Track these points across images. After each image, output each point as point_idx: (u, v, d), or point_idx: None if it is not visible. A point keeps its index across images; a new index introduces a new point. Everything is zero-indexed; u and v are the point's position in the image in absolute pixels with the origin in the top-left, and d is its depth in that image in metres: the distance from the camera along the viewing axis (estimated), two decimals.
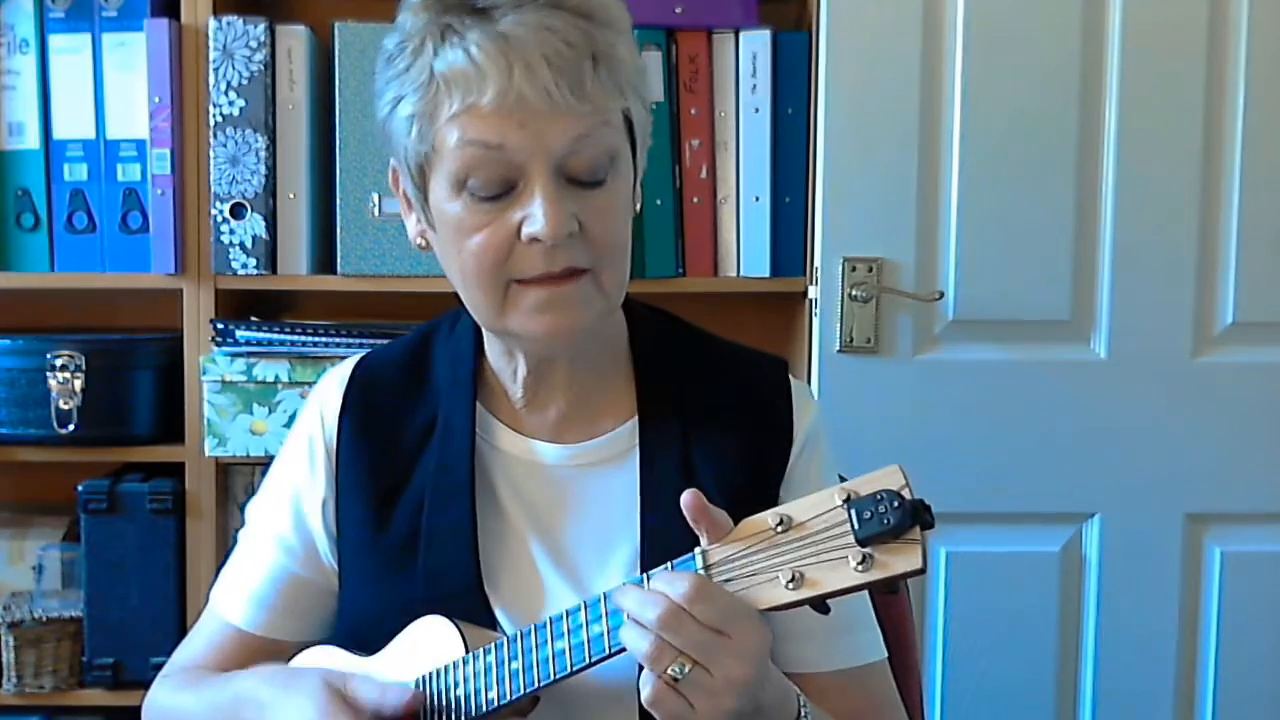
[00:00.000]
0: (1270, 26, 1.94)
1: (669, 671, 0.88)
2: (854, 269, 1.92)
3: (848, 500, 0.85)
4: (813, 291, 1.94)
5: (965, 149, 1.93)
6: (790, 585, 0.86)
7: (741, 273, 1.98)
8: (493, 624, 1.07)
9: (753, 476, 1.10)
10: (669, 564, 0.93)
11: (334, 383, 1.17)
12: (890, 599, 1.22)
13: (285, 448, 1.20)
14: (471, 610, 1.06)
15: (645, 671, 0.89)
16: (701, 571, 0.90)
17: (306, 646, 1.16)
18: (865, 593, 1.12)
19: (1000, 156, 1.94)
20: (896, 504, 0.83)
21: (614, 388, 1.15)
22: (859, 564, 0.84)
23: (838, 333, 1.93)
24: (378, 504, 1.12)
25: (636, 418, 1.13)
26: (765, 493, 1.10)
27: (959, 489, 1.95)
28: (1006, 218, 1.94)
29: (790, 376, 1.18)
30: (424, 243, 1.11)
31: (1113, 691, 2.00)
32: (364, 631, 1.11)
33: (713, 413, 1.13)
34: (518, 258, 1.02)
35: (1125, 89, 1.94)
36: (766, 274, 1.98)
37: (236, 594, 1.17)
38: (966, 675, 1.99)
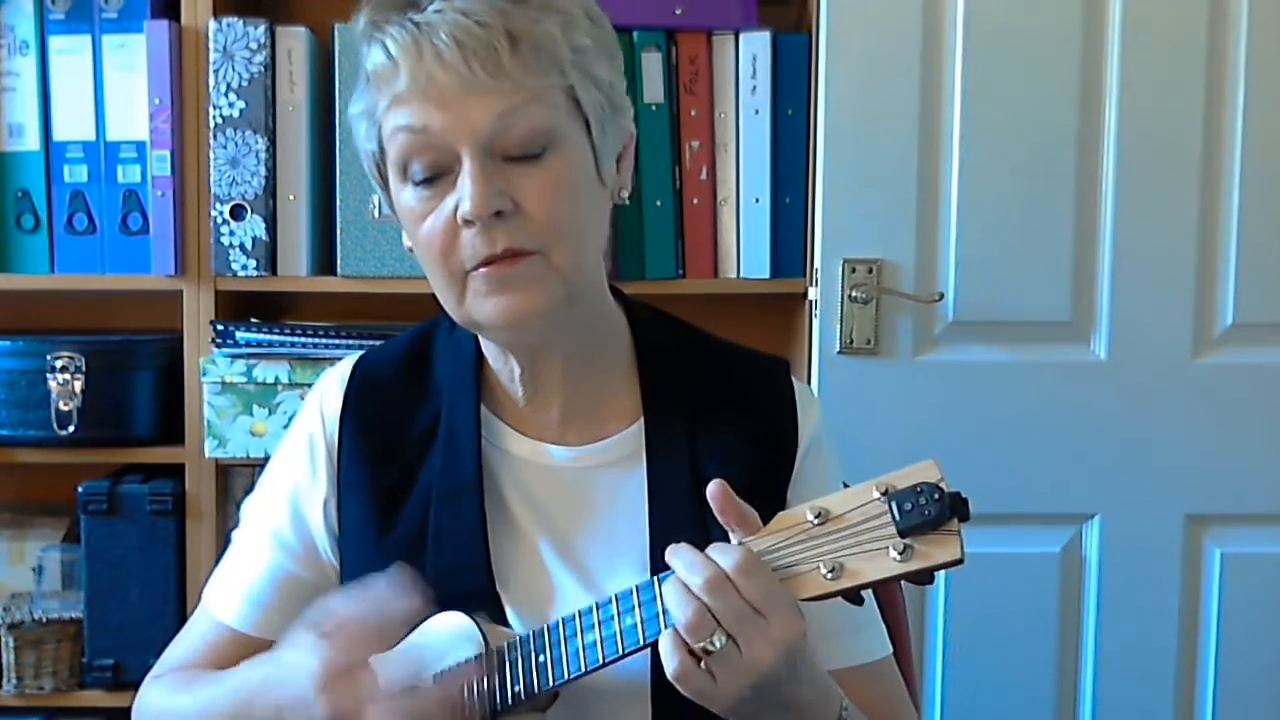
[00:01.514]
0: (1270, 26, 1.94)
1: (704, 644, 0.88)
2: (854, 270, 1.92)
3: (886, 493, 0.87)
4: (813, 293, 1.94)
5: (965, 149, 1.93)
6: (829, 575, 0.88)
7: (741, 274, 1.98)
8: (506, 623, 1.07)
9: (760, 477, 1.10)
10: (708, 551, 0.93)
11: (334, 381, 1.17)
12: (884, 599, 1.22)
13: (283, 447, 1.19)
14: (483, 610, 1.06)
15: (670, 645, 0.90)
16: None
17: None
18: (870, 591, 1.14)
19: (1000, 157, 1.93)
20: (936, 496, 0.86)
21: (618, 389, 1.15)
22: (899, 554, 0.86)
23: (838, 334, 1.93)
24: (382, 504, 1.12)
25: (642, 419, 1.13)
26: (774, 493, 1.11)
27: (959, 489, 1.94)
28: (1006, 218, 1.94)
29: (792, 377, 1.18)
30: (411, 247, 1.12)
31: (1113, 692, 2.00)
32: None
33: (718, 414, 1.13)
34: (462, 245, 1.03)
35: (1125, 89, 1.94)
36: (766, 275, 1.98)
37: (231, 593, 1.16)
38: (966, 675, 1.99)
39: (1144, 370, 1.97)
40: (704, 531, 1.01)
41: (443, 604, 1.05)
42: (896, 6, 1.91)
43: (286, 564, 1.15)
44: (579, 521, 1.12)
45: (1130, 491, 1.98)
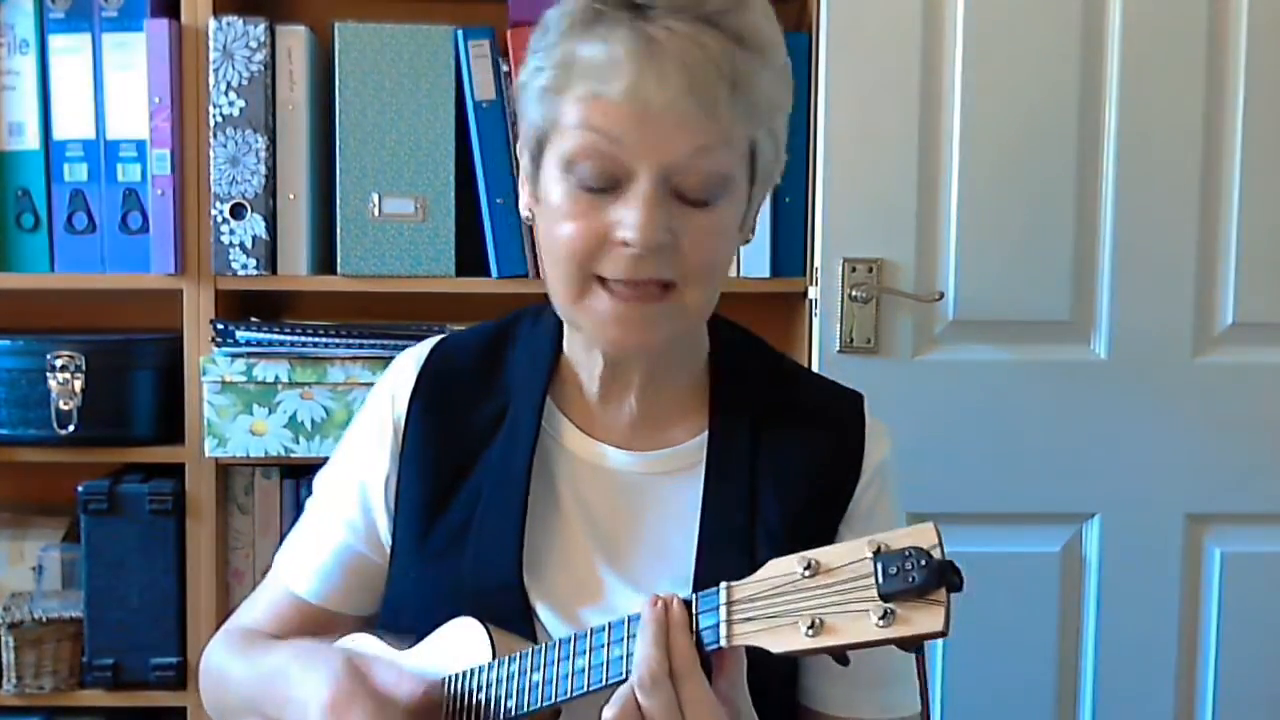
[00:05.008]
0: (1270, 26, 1.94)
1: None
2: (854, 269, 1.92)
3: (877, 552, 0.84)
4: (813, 292, 1.94)
5: (965, 149, 1.93)
6: (810, 632, 0.85)
7: (741, 273, 1.98)
8: (531, 620, 1.08)
9: (816, 503, 1.10)
10: (694, 594, 0.92)
11: (409, 363, 1.18)
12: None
13: (356, 422, 1.21)
14: (509, 605, 1.07)
15: None
16: (724, 608, 0.89)
17: (362, 619, 1.18)
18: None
19: (1000, 157, 1.93)
20: (924, 562, 0.82)
21: (689, 399, 1.15)
22: (880, 619, 0.83)
23: (838, 333, 1.93)
24: (437, 490, 1.13)
25: (707, 432, 1.13)
26: (827, 521, 1.10)
27: (959, 489, 1.94)
28: (1006, 218, 1.94)
29: (867, 412, 1.17)
30: (530, 215, 1.11)
31: (1113, 692, 2.00)
32: (406, 615, 1.12)
33: (783, 434, 1.13)
34: (605, 256, 1.02)
35: (1125, 89, 1.94)
36: (766, 274, 1.98)
37: (301, 565, 1.19)
38: (966, 675, 1.99)
39: (1144, 370, 1.97)
40: (750, 549, 1.03)
41: (474, 596, 1.06)
42: (896, 6, 1.91)
43: (353, 543, 1.17)
44: (630, 527, 1.12)
45: (1130, 491, 1.98)
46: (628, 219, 1.00)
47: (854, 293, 1.92)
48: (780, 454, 1.11)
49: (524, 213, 1.12)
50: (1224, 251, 1.97)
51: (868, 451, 1.14)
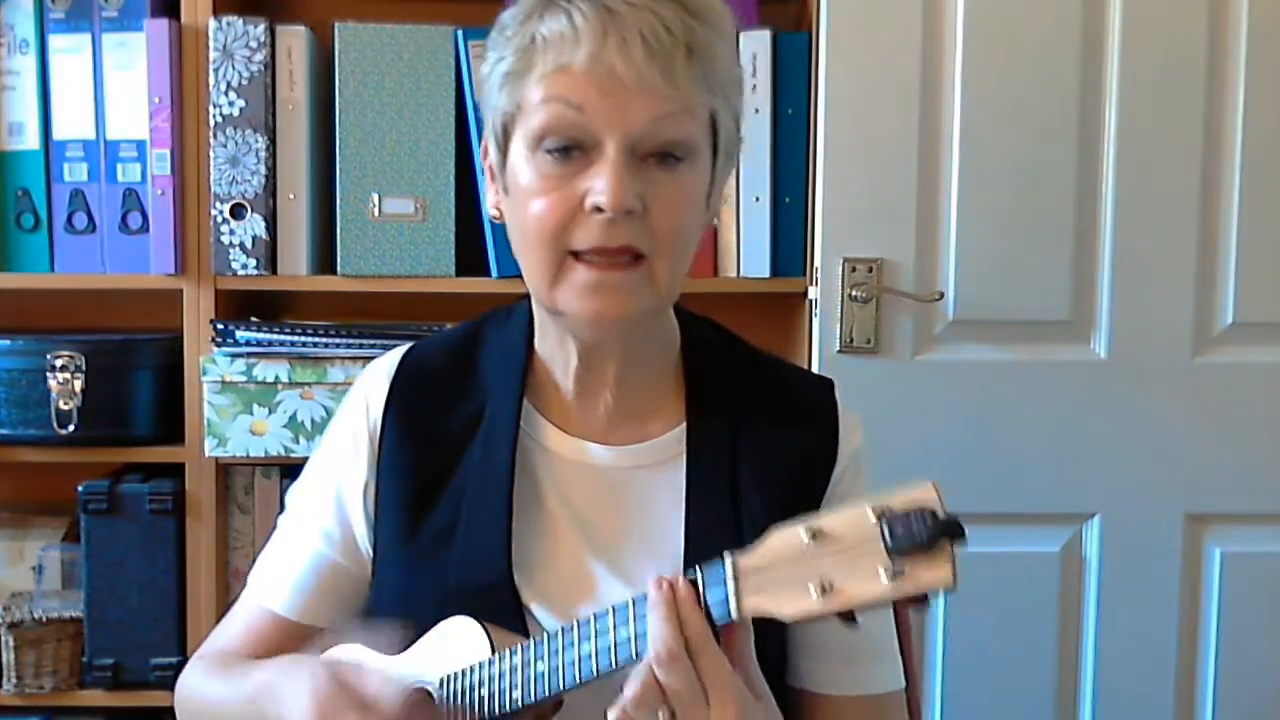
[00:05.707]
0: (1270, 26, 1.94)
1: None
2: (854, 269, 1.92)
3: (881, 514, 0.86)
4: (813, 292, 1.94)
5: (965, 149, 1.93)
6: (820, 595, 0.86)
7: (741, 273, 1.98)
8: (523, 618, 1.08)
9: (796, 490, 1.11)
10: (698, 567, 0.93)
11: (381, 370, 1.18)
12: (898, 629, 1.22)
13: (329, 433, 1.21)
14: (501, 604, 1.07)
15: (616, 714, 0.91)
16: (731, 580, 0.90)
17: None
18: (891, 624, 1.14)
19: (1000, 156, 1.94)
20: (929, 519, 0.84)
21: (664, 392, 1.16)
22: (889, 577, 0.84)
23: (838, 333, 1.93)
24: (418, 495, 1.13)
25: (684, 423, 1.14)
26: (807, 507, 1.09)
27: (959, 489, 1.93)
28: (1006, 218, 1.94)
29: (839, 399, 1.19)
30: (498, 213, 1.12)
31: (1113, 692, 2.00)
32: (393, 622, 1.11)
33: (760, 424, 1.14)
34: (577, 227, 1.03)
35: (1125, 89, 1.94)
36: (766, 274, 1.98)
37: (276, 580, 1.18)
38: (966, 675, 1.99)
39: (1144, 370, 1.97)
40: (738, 536, 1.03)
41: (463, 597, 1.06)
42: (896, 6, 1.92)
43: (329, 553, 1.16)
44: (614, 518, 1.13)
45: (1130, 491, 1.98)
46: (598, 185, 1.01)
47: (854, 292, 1.92)
48: (758, 443, 1.13)
49: (492, 212, 1.13)
50: (1224, 251, 1.97)
51: (842, 439, 1.16)
